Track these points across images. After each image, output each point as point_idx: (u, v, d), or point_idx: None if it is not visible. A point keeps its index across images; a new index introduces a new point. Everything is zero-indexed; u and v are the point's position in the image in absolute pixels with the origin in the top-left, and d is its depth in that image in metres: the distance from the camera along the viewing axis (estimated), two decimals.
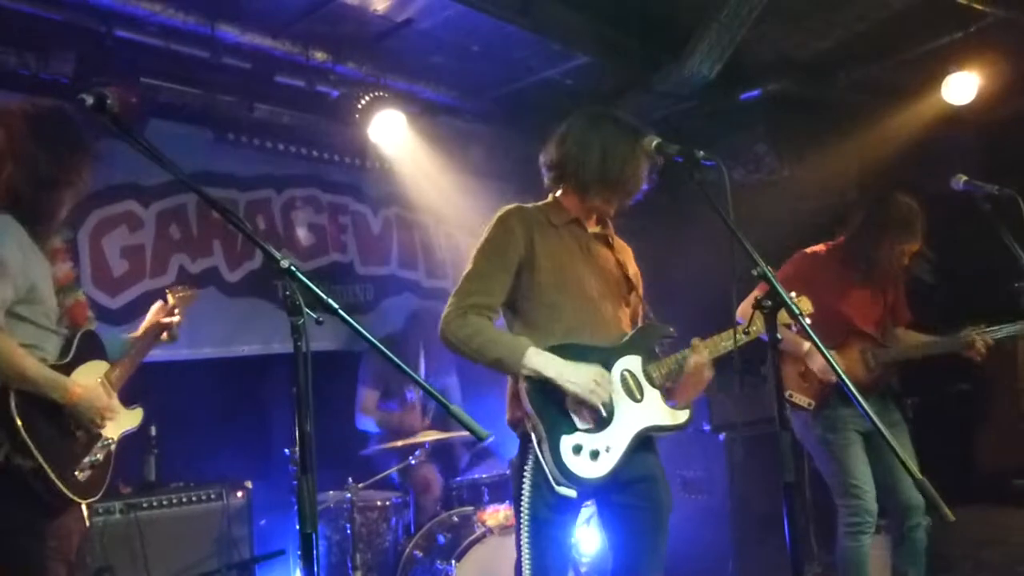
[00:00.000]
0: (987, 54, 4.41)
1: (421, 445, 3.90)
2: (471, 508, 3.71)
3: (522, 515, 2.25)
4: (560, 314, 2.34)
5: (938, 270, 3.40)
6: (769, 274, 1.85)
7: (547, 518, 2.24)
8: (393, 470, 3.94)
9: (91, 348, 2.40)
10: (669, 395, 2.41)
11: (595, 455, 2.21)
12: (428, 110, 4.59)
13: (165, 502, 3.46)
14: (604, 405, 2.21)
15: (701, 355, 2.36)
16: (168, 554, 3.39)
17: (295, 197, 4.74)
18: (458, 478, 4.17)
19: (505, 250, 2.35)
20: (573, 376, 2.19)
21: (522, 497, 2.25)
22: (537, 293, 2.36)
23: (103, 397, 2.31)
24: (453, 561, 3.32)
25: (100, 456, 2.33)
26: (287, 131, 4.43)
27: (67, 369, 2.28)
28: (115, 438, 2.41)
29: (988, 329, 3.27)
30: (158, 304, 2.70)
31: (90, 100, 1.59)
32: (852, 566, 3.40)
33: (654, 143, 2.18)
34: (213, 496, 3.58)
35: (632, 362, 2.36)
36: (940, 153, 4.75)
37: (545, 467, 2.19)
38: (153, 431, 3.61)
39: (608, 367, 2.30)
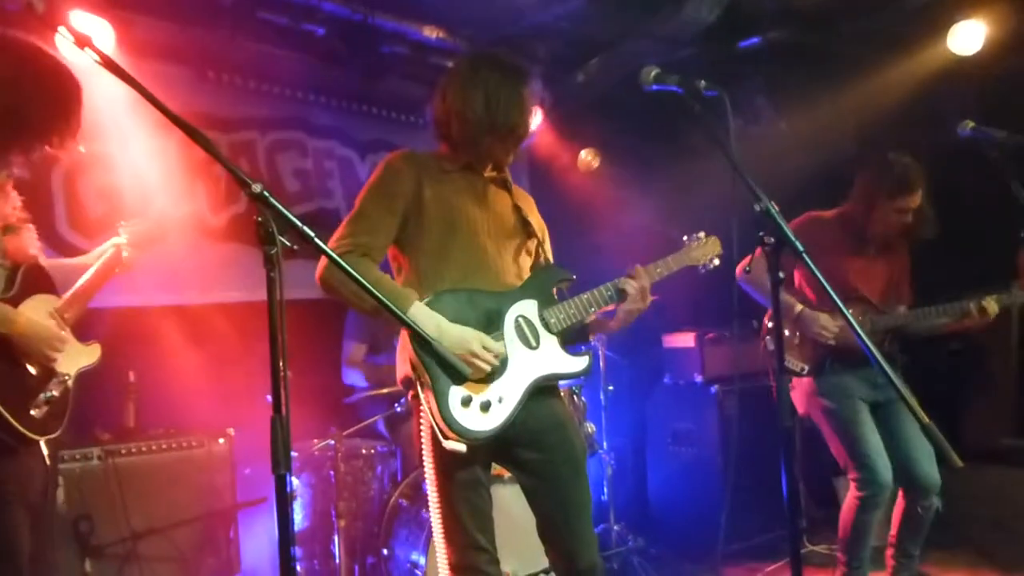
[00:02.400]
0: (995, 2, 4.29)
1: (407, 393, 3.83)
2: None
3: (428, 475, 2.21)
4: (450, 261, 2.26)
5: (940, 224, 3.30)
6: (772, 209, 1.77)
7: (453, 474, 2.17)
8: (378, 418, 3.88)
9: (37, 282, 2.35)
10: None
11: (486, 407, 2.12)
12: (418, 51, 4.45)
13: (144, 449, 3.38)
14: (485, 376, 2.11)
15: (642, 279, 2.31)
16: (148, 502, 3.33)
17: (279, 140, 4.61)
18: None
19: (392, 193, 2.27)
20: (454, 339, 2.09)
21: (424, 456, 2.21)
22: (425, 240, 2.27)
23: (52, 328, 2.26)
24: None
25: (56, 392, 2.28)
26: (270, 70, 4.28)
27: (11, 303, 2.23)
28: (71, 373, 2.36)
29: (989, 298, 3.19)
30: (112, 240, 2.62)
31: (40, 6, 1.47)
32: (857, 536, 3.32)
33: (653, 73, 2.07)
34: (194, 443, 3.51)
35: (527, 307, 2.28)
36: (943, 105, 4.64)
37: (432, 421, 2.09)
38: (132, 377, 3.54)
39: (501, 314, 2.22)
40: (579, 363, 2.31)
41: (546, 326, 2.27)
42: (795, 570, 1.90)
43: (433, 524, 2.26)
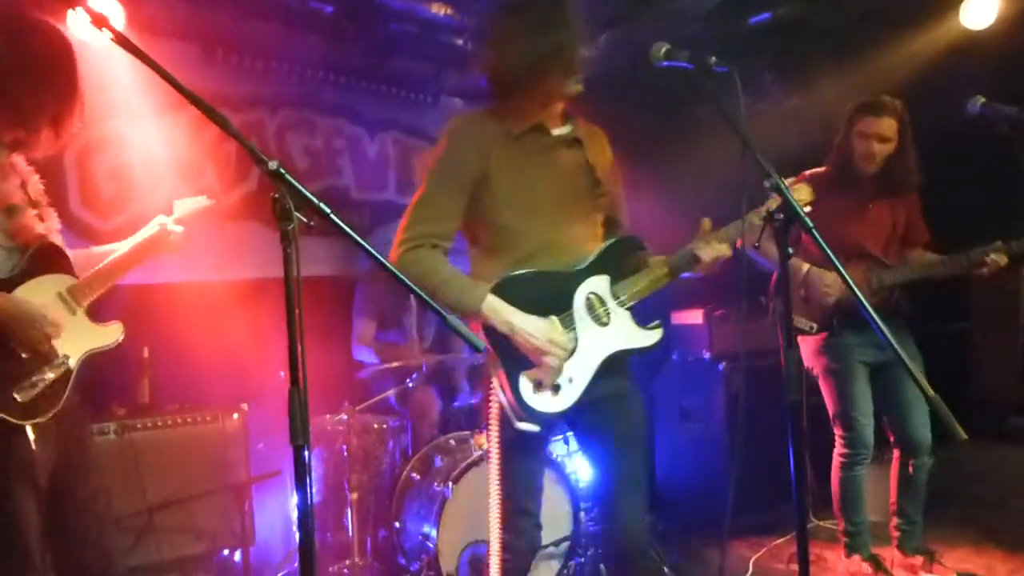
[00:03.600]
0: None
1: (418, 368, 3.88)
2: (468, 432, 3.71)
3: (492, 441, 2.24)
4: (519, 237, 2.22)
5: (945, 191, 3.28)
6: (782, 185, 1.78)
7: (511, 442, 2.20)
8: (390, 393, 3.93)
9: (48, 262, 2.30)
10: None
11: (556, 389, 2.15)
12: (427, 29, 4.44)
13: (160, 424, 3.43)
14: (556, 369, 2.12)
15: (716, 245, 2.24)
16: (163, 475, 3.38)
17: (289, 119, 4.62)
18: (456, 403, 4.17)
19: (457, 170, 2.21)
20: (528, 332, 2.10)
21: (490, 421, 2.23)
22: (493, 215, 2.23)
23: (37, 311, 2.18)
24: (450, 483, 3.32)
25: (52, 375, 2.22)
26: (279, 49, 4.28)
27: (8, 285, 2.19)
28: (76, 355, 2.30)
29: (997, 246, 3.18)
30: (158, 219, 2.55)
31: None
32: (848, 496, 3.43)
33: (663, 50, 2.07)
34: (208, 418, 3.56)
35: (598, 283, 2.25)
36: (954, 81, 4.61)
37: (505, 405, 2.13)
38: (146, 353, 3.58)
39: (570, 292, 2.21)
40: (651, 336, 2.29)
41: (618, 301, 2.25)
42: (801, 544, 1.93)
43: (491, 483, 2.29)
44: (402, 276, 1.68)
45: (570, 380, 2.16)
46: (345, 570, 3.52)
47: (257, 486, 3.63)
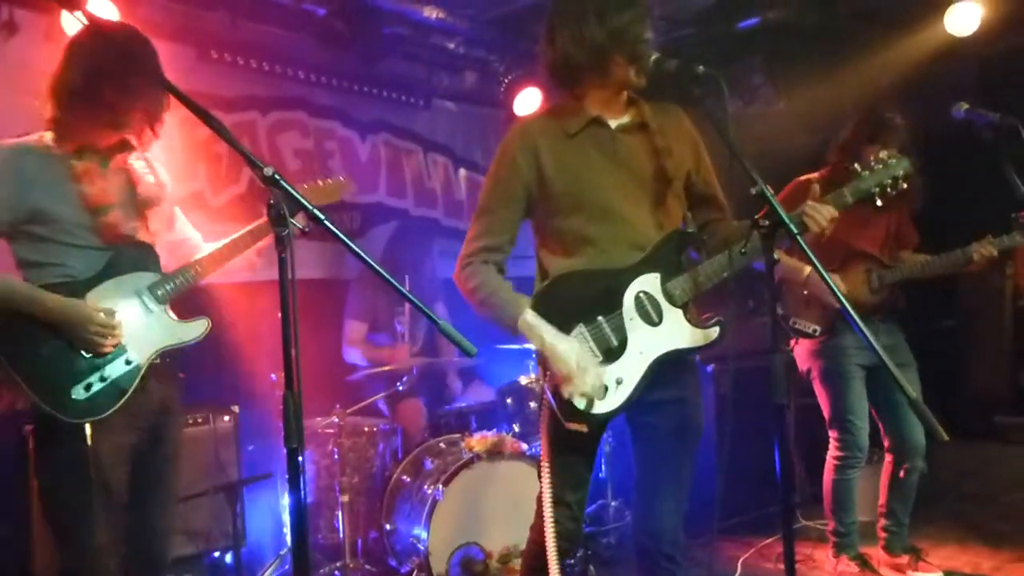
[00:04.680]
0: None
1: (408, 371, 3.90)
2: (458, 435, 3.73)
3: (541, 433, 2.24)
4: (583, 234, 2.19)
5: (930, 196, 3.32)
6: (767, 192, 1.81)
7: (567, 440, 2.19)
8: (380, 396, 3.94)
9: (133, 262, 2.34)
10: None
11: (605, 390, 2.10)
12: (419, 32, 4.46)
13: None
14: (585, 395, 2.08)
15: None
16: None
17: (281, 120, 4.63)
18: (447, 407, 4.19)
19: (508, 182, 2.20)
20: (557, 356, 2.07)
21: (542, 421, 2.24)
22: (552, 218, 2.22)
23: (85, 314, 2.20)
24: (440, 485, 3.34)
25: (115, 374, 2.25)
26: (272, 50, 4.30)
27: (83, 286, 2.24)
28: (145, 354, 2.31)
29: (988, 239, 3.23)
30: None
31: None
32: (839, 498, 3.45)
33: (652, 58, 2.10)
34: (200, 420, 3.56)
35: (649, 281, 2.18)
36: (939, 86, 4.67)
37: (554, 405, 2.14)
38: None
39: (620, 292, 2.15)
40: (706, 335, 2.20)
41: (670, 299, 2.18)
42: (787, 545, 1.96)
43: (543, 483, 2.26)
44: (390, 278, 1.70)
45: (618, 382, 2.13)
46: (336, 572, 3.54)
47: (248, 488, 3.63)
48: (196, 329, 2.42)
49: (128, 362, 2.28)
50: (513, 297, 2.17)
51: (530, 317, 2.12)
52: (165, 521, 2.45)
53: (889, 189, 2.20)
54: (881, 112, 3.30)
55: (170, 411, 2.44)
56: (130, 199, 2.36)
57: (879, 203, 2.20)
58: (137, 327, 2.32)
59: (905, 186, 2.19)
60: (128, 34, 2.26)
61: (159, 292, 2.36)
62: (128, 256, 2.33)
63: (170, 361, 2.42)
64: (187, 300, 3.80)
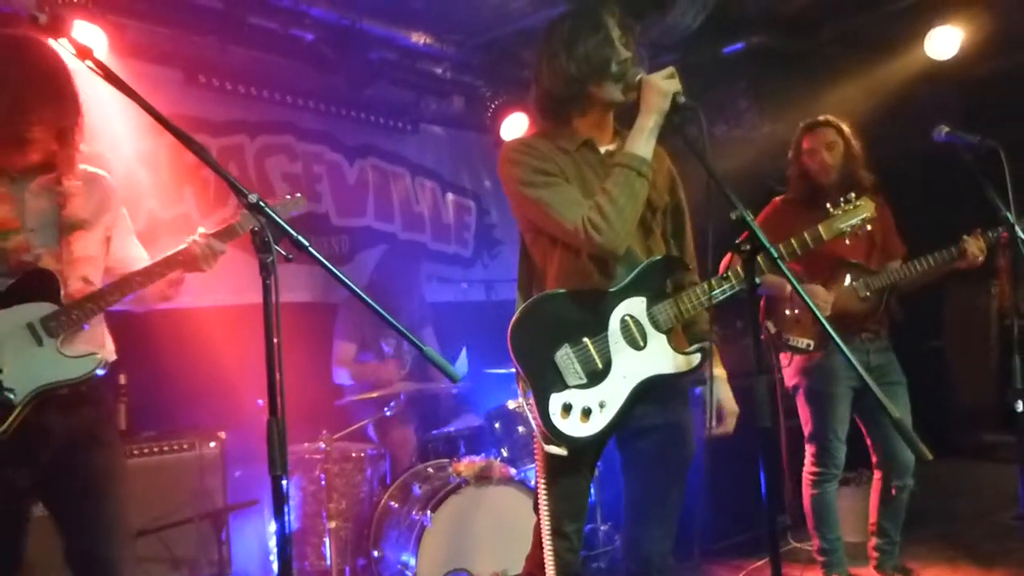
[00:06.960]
0: (971, 8, 4.37)
1: (396, 396, 3.88)
2: (446, 460, 3.71)
3: (536, 462, 2.21)
4: (567, 255, 2.18)
5: (910, 216, 3.36)
6: (747, 217, 1.82)
7: (559, 465, 2.17)
8: (367, 421, 3.93)
9: (32, 290, 2.19)
10: None
11: (587, 413, 2.10)
12: (407, 57, 4.49)
13: (136, 451, 3.41)
14: (587, 381, 2.09)
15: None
16: (140, 503, 3.31)
17: (269, 144, 4.64)
18: (435, 431, 4.17)
19: (546, 168, 2.15)
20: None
21: (534, 444, 2.21)
22: (546, 233, 2.21)
23: None
24: (428, 511, 3.32)
25: None
26: (260, 75, 4.32)
27: None
28: (25, 390, 2.13)
29: (977, 233, 3.25)
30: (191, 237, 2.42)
31: (43, 18, 1.50)
32: (819, 513, 3.46)
33: (638, 76, 2.12)
34: (186, 446, 3.54)
35: (635, 305, 2.17)
36: (921, 109, 4.73)
37: (535, 427, 2.12)
38: (123, 379, 3.55)
39: (606, 314, 2.15)
40: (688, 361, 2.19)
41: (655, 324, 2.17)
42: (774, 568, 1.95)
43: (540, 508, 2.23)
44: (376, 305, 1.70)
45: (601, 405, 2.11)
46: None
47: (234, 514, 3.60)
48: (81, 367, 2.21)
49: (5, 398, 2.11)
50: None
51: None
52: (115, 551, 2.26)
53: (859, 231, 2.45)
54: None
55: (91, 442, 2.26)
56: (50, 223, 2.23)
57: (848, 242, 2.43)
58: (20, 361, 2.14)
59: (869, 227, 2.45)
60: (21, 44, 2.14)
61: (51, 324, 2.18)
62: (24, 285, 2.18)
63: (86, 391, 2.24)
64: (170, 324, 3.76)
